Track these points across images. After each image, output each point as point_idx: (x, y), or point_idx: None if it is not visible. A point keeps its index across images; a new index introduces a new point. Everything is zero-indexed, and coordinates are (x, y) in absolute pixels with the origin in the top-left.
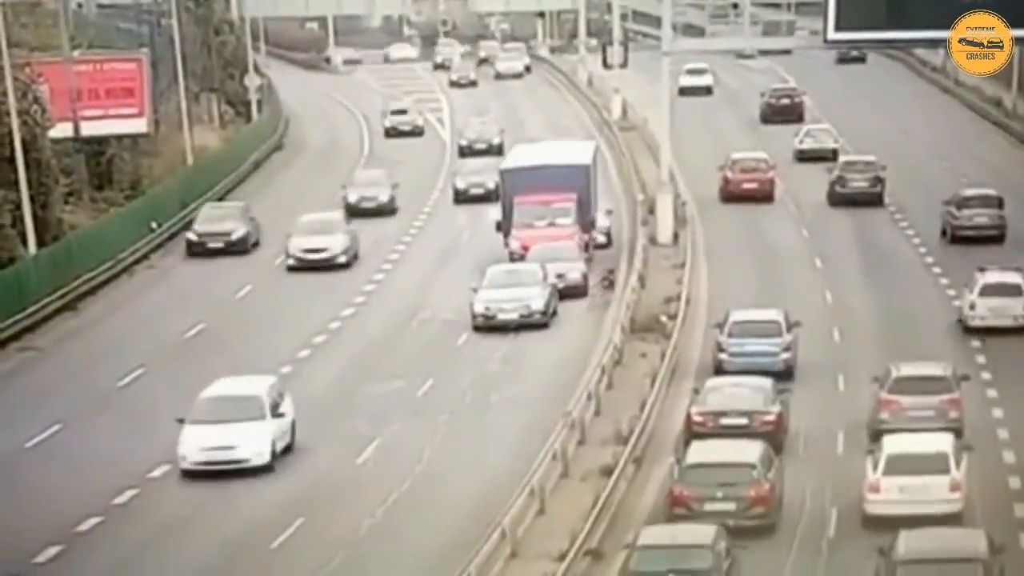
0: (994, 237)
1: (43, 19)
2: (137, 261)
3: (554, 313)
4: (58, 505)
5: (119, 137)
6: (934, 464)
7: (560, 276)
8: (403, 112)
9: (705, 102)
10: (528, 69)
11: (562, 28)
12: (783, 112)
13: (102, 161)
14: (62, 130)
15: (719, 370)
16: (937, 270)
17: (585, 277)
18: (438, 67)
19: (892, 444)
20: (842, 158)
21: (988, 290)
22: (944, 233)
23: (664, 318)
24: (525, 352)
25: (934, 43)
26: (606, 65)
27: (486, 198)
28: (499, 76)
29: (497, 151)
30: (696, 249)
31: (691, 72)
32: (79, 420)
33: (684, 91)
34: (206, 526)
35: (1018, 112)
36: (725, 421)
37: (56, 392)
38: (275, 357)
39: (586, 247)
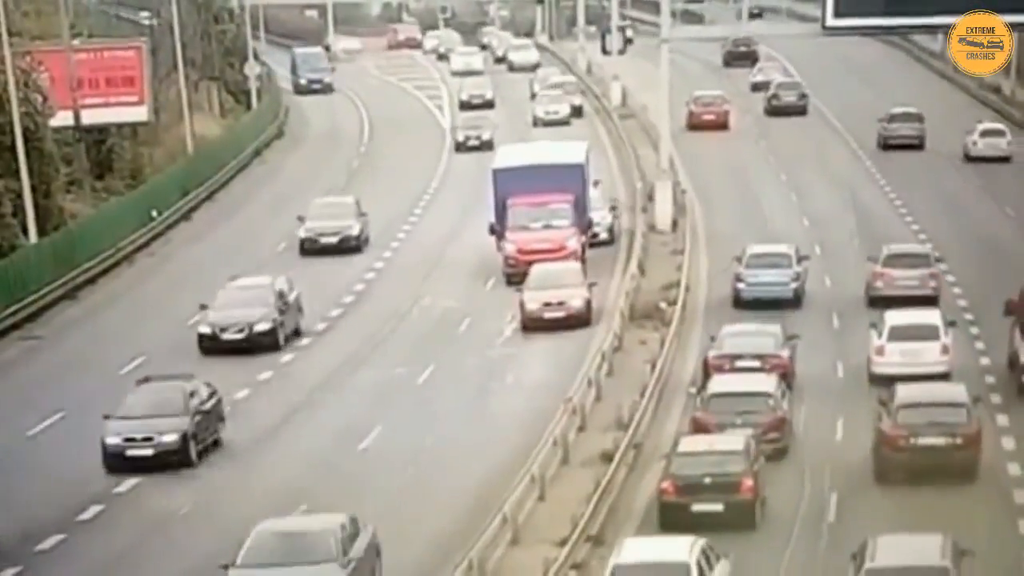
0: (916, 144)
1: (43, 7)
2: (138, 249)
3: None
4: (60, 493)
5: (119, 125)
6: (928, 332)
7: (561, 304)
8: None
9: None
10: (578, 111)
11: (561, 15)
12: (741, 57)
13: (102, 150)
14: (63, 119)
15: (737, 298)
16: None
17: (588, 304)
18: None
19: (893, 317)
20: (776, 80)
21: (985, 132)
22: (878, 143)
23: (663, 305)
24: (526, 339)
25: (933, 30)
26: (605, 52)
27: None
28: (538, 122)
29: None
30: (695, 236)
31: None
32: (80, 408)
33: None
34: (209, 513)
35: (1017, 98)
36: (740, 364)
37: (57, 381)
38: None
39: (582, 251)
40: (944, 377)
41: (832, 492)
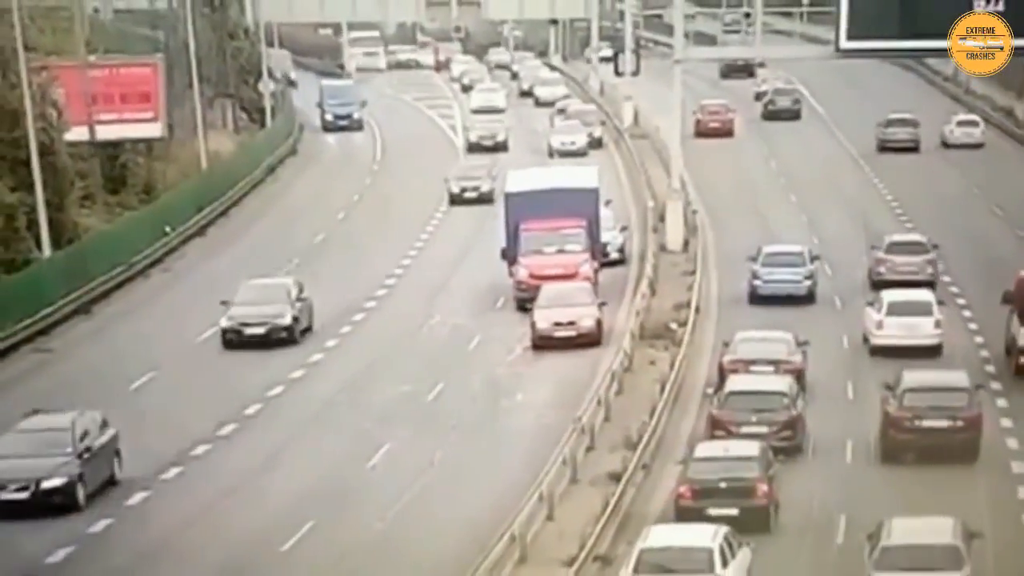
0: (911, 148)
1: (60, 23)
2: (152, 264)
3: None
4: None
5: (134, 141)
6: (922, 308)
7: (571, 323)
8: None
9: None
10: (598, 142)
11: (574, 36)
12: (739, 70)
13: (116, 165)
14: (78, 134)
15: (753, 294)
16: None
17: (599, 323)
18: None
19: (890, 295)
20: (771, 86)
21: (961, 123)
22: (876, 146)
23: (674, 325)
24: (537, 357)
25: (947, 53)
26: (618, 73)
27: None
28: (553, 153)
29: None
30: (706, 256)
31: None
32: None
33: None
34: (217, 527)
35: None
36: (754, 368)
37: (69, 394)
38: (288, 362)
39: (595, 275)
40: (937, 349)
41: (841, 515)
